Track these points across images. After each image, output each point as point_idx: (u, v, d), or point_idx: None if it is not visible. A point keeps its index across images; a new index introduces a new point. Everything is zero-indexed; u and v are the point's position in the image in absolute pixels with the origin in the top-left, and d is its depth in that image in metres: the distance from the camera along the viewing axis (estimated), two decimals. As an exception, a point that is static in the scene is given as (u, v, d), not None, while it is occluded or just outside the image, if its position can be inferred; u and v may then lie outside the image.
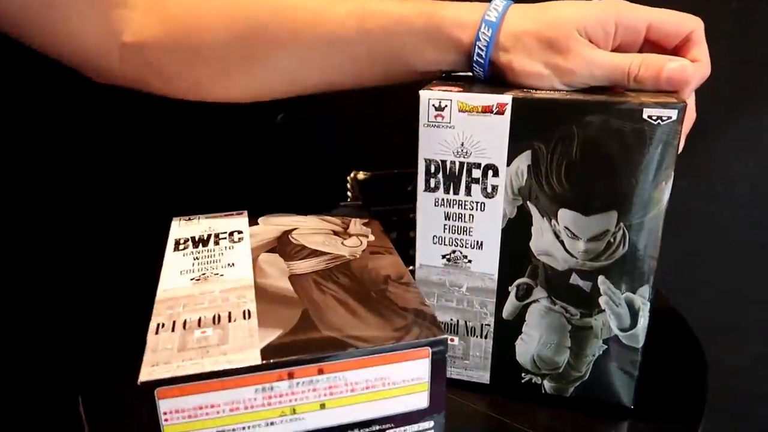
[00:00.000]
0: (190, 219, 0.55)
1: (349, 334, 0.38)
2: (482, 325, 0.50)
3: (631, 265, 0.45)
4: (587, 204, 0.45)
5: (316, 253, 0.48)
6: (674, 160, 0.42)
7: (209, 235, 0.52)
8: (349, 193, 0.68)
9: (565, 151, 0.43)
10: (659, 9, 0.46)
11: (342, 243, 0.50)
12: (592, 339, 0.48)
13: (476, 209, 0.47)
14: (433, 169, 0.47)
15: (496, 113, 0.44)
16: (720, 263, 0.82)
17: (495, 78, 0.48)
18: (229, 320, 0.40)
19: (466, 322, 0.50)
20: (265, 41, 0.51)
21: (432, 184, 0.47)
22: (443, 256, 0.49)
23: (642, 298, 0.46)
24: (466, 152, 0.45)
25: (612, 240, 0.45)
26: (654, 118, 0.41)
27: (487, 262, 0.48)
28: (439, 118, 0.45)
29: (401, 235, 0.73)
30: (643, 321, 0.46)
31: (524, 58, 0.46)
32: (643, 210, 0.44)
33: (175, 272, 0.46)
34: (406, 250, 0.75)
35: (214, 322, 0.39)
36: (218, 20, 0.51)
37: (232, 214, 0.55)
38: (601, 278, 0.46)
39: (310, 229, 0.52)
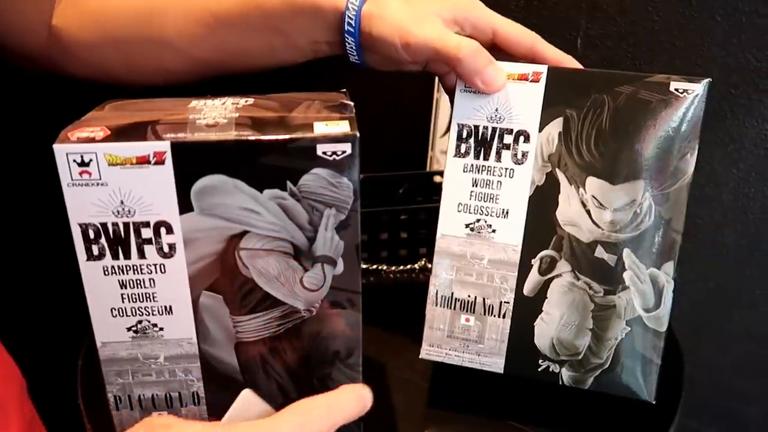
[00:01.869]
0: (85, 137, 0.37)
1: None
2: (501, 302, 0.48)
3: (657, 239, 0.45)
4: (615, 172, 0.45)
5: (266, 303, 0.41)
6: (699, 132, 0.44)
7: (126, 228, 0.38)
8: None
9: (596, 119, 0.44)
10: (508, 20, 0.49)
11: (301, 281, 0.41)
12: (615, 320, 0.46)
13: (505, 176, 0.46)
14: (465, 134, 0.46)
15: (531, 81, 0.45)
16: (706, 265, 0.83)
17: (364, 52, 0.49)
18: (180, 404, 0.43)
19: (484, 299, 0.48)
20: (161, 22, 0.52)
21: (462, 150, 0.47)
22: (467, 225, 0.48)
23: (666, 276, 0.45)
24: (500, 118, 0.46)
25: (638, 210, 0.45)
26: (680, 90, 0.44)
27: (511, 233, 0.47)
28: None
29: (392, 236, 0.71)
30: (668, 302, 0.46)
31: (383, 26, 0.47)
32: (669, 180, 0.44)
33: (105, 309, 0.40)
34: (397, 251, 0.73)
35: (166, 404, 0.43)
36: (122, 3, 0.53)
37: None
38: (626, 251, 0.45)
39: (262, 233, 0.40)
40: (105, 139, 0.36)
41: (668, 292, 0.46)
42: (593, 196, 0.45)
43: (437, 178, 0.69)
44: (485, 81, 0.45)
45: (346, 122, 0.38)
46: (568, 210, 0.46)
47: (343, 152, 0.37)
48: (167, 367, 0.42)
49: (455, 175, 0.47)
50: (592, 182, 0.45)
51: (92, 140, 0.36)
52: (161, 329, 0.41)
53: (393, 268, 0.72)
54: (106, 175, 0.36)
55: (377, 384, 0.54)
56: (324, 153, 0.37)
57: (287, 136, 0.37)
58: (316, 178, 0.38)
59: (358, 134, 0.38)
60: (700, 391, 0.88)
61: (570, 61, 0.49)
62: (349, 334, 0.43)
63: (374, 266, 0.72)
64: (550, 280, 0.47)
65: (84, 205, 0.37)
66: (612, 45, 0.71)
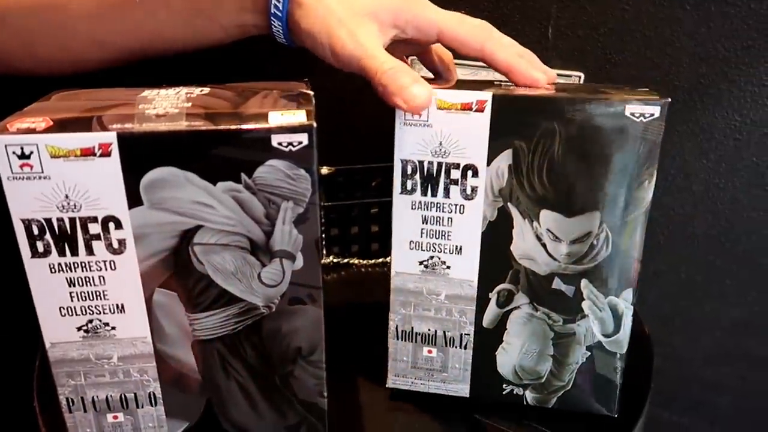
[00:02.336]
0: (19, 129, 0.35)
1: (247, 430, 0.44)
2: (462, 334, 0.47)
3: (615, 268, 0.44)
4: (570, 205, 0.43)
5: (223, 300, 0.40)
6: (657, 158, 0.41)
7: (73, 223, 0.36)
8: None
9: (547, 149, 0.42)
10: (456, 18, 0.45)
11: (258, 277, 0.39)
12: (575, 346, 0.46)
13: (455, 212, 0.44)
14: (409, 170, 0.44)
15: (475, 110, 0.41)
16: (677, 256, 0.82)
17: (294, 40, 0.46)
18: (137, 405, 0.42)
19: (444, 332, 0.48)
20: (64, 5, 0.49)
21: (408, 186, 0.44)
22: (420, 263, 0.46)
23: (625, 302, 0.45)
24: (445, 152, 0.43)
25: (595, 242, 0.43)
26: (636, 114, 0.40)
27: (466, 268, 0.46)
28: (416, 116, 0.42)
29: (362, 230, 0.70)
30: (627, 326, 0.45)
31: (312, 19, 0.43)
32: (626, 210, 0.43)
33: (53, 308, 0.38)
34: (368, 244, 0.71)
35: (122, 405, 0.42)
36: None
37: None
38: (584, 282, 0.45)
39: (216, 227, 0.38)
40: (47, 130, 0.34)
41: (627, 318, 0.46)
42: (548, 230, 0.44)
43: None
44: (407, 99, 0.41)
45: (303, 112, 0.37)
46: (523, 244, 0.45)
47: (300, 143, 0.36)
48: (121, 368, 0.41)
49: (404, 213, 0.45)
50: (546, 215, 0.44)
51: (33, 131, 0.34)
52: (113, 328, 0.39)
53: (365, 262, 0.71)
54: (48, 168, 0.34)
55: (346, 380, 0.53)
56: (279, 144, 0.36)
57: (240, 126, 0.36)
58: (272, 170, 0.37)
59: (315, 124, 0.36)
60: (671, 382, 0.88)
61: (520, 66, 0.46)
62: (311, 331, 0.41)
63: (345, 260, 0.71)
64: (509, 312, 0.47)
65: (26, 200, 0.35)
66: (583, 34, 0.71)
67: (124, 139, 0.34)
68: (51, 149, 0.34)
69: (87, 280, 0.38)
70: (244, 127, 0.36)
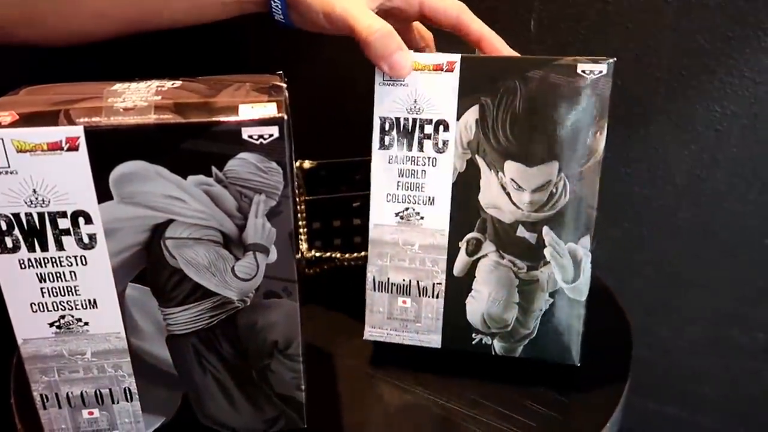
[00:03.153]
0: None
1: (224, 424, 0.44)
2: (434, 284, 0.50)
3: (573, 215, 0.47)
4: (530, 155, 0.47)
5: (197, 294, 0.40)
6: (607, 111, 0.45)
7: (42, 218, 0.36)
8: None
9: (510, 105, 0.46)
10: None
11: (232, 271, 0.39)
12: (539, 293, 0.49)
13: (428, 164, 0.48)
14: (387, 127, 0.47)
15: (446, 70, 0.46)
16: (660, 246, 0.83)
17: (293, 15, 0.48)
18: (112, 400, 0.42)
19: (418, 282, 0.51)
20: None
21: (386, 142, 0.47)
22: (396, 214, 0.49)
23: (584, 249, 0.48)
24: (419, 109, 0.47)
25: (554, 190, 0.47)
26: (587, 72, 0.45)
27: (438, 219, 0.49)
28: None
29: (344, 223, 0.70)
30: (586, 273, 0.48)
31: None
32: (581, 160, 0.46)
33: (24, 304, 0.38)
34: (351, 237, 0.71)
35: (97, 401, 0.42)
36: None
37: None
38: (545, 229, 0.48)
39: (188, 221, 0.38)
40: (12, 125, 0.34)
41: (586, 264, 0.49)
42: (512, 179, 0.48)
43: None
44: (391, 66, 0.46)
45: (274, 104, 0.37)
46: (490, 194, 0.48)
47: (271, 135, 0.36)
48: (95, 363, 0.40)
49: (382, 167, 0.49)
50: (510, 166, 0.47)
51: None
52: (86, 324, 0.39)
53: (347, 255, 0.71)
54: (15, 163, 0.34)
55: (327, 371, 0.53)
56: (250, 137, 0.36)
57: (210, 119, 0.35)
58: (243, 163, 0.36)
59: (285, 117, 0.36)
60: (657, 372, 0.89)
61: (491, 35, 0.51)
62: (287, 324, 0.41)
63: (327, 254, 0.70)
64: (478, 260, 0.50)
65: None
66: (565, 27, 0.71)
67: (91, 133, 0.34)
68: (17, 143, 0.34)
69: (58, 275, 0.37)
70: (214, 119, 0.35)
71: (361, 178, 0.71)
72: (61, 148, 0.34)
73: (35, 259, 0.37)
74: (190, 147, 0.35)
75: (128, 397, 0.42)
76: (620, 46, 0.72)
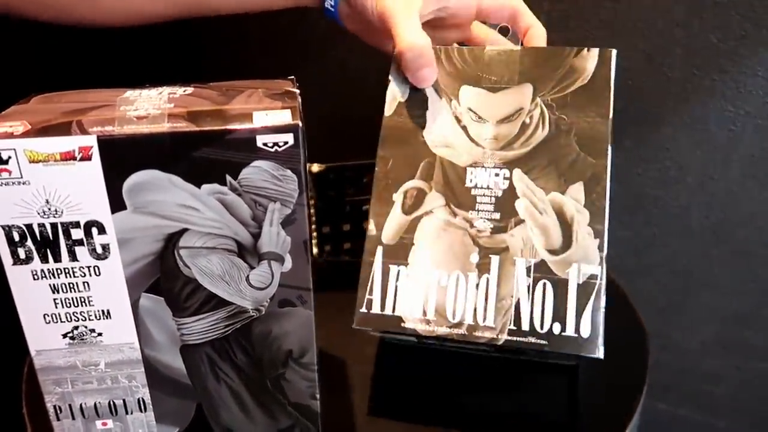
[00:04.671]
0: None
1: None
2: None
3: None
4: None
5: (212, 304, 0.39)
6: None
7: (54, 229, 0.35)
8: None
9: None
10: None
11: (247, 280, 0.38)
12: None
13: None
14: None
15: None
16: (672, 247, 0.82)
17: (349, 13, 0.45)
18: (126, 411, 0.41)
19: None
20: None
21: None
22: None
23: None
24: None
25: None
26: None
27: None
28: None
29: (354, 227, 0.68)
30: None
31: None
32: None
33: (38, 315, 0.38)
34: (360, 242, 0.66)
35: (111, 412, 0.41)
36: None
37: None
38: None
39: (202, 230, 0.37)
40: (25, 135, 0.33)
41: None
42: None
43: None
44: (416, 79, 0.44)
45: (288, 111, 0.36)
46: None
47: (285, 143, 0.35)
48: (109, 374, 0.40)
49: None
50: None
51: (11, 136, 0.33)
52: (100, 334, 0.38)
53: (357, 259, 0.70)
54: (27, 173, 0.34)
55: (340, 378, 0.53)
56: (265, 144, 0.35)
57: (224, 127, 0.35)
58: (258, 171, 0.36)
59: (300, 123, 0.35)
60: (668, 374, 0.88)
61: (537, 29, 0.49)
62: (301, 333, 0.41)
63: (337, 258, 0.70)
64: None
65: (6, 206, 0.34)
66: (574, 26, 0.70)
67: (104, 142, 0.34)
68: (30, 154, 0.33)
69: (71, 286, 0.37)
70: (229, 127, 0.35)
71: (369, 180, 0.70)
72: (74, 158, 0.34)
73: (48, 270, 0.36)
74: (204, 155, 0.35)
75: (142, 407, 0.41)
76: (631, 45, 0.71)
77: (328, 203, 0.68)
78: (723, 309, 0.84)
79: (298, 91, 0.40)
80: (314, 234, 0.67)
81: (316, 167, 0.66)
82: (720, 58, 0.70)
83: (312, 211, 0.66)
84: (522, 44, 0.49)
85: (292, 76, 0.44)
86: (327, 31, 0.72)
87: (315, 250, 0.67)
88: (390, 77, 0.43)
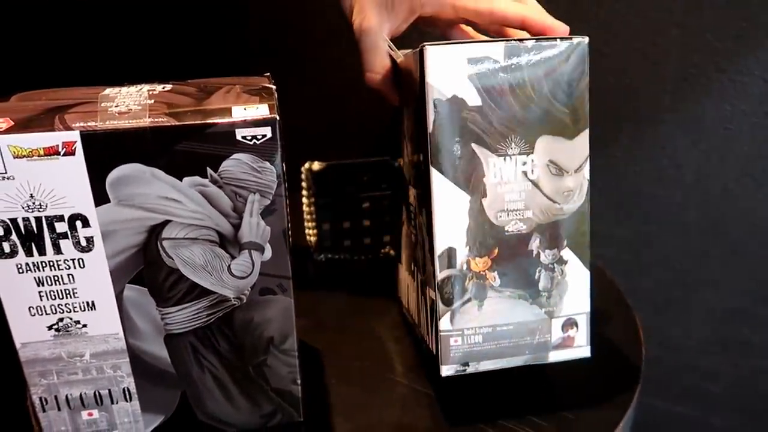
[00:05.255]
0: None
1: (222, 420, 0.45)
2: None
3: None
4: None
5: (194, 293, 0.41)
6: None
7: (39, 223, 0.36)
8: (303, 184, 0.64)
9: None
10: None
11: (228, 269, 0.40)
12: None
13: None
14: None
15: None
16: (669, 245, 0.81)
17: None
18: (111, 401, 0.42)
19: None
20: None
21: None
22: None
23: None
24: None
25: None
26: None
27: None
28: None
29: (354, 225, 0.69)
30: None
31: None
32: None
33: (23, 308, 0.39)
34: (360, 239, 0.69)
35: (96, 402, 0.42)
36: None
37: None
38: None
39: (184, 221, 0.38)
40: (8, 131, 0.34)
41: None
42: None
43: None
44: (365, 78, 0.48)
45: (266, 105, 0.37)
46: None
47: (264, 136, 0.37)
48: (94, 365, 0.41)
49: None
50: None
51: (-4, 132, 0.34)
52: (84, 326, 0.39)
53: (356, 257, 0.71)
54: (11, 169, 0.34)
55: (338, 373, 0.54)
56: (244, 137, 0.36)
57: (204, 121, 0.36)
58: (238, 163, 0.37)
59: (278, 117, 0.37)
60: (665, 371, 0.89)
61: (533, 12, 0.49)
62: (282, 320, 0.42)
63: (337, 256, 0.70)
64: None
65: None
66: (573, 25, 0.71)
67: (87, 137, 0.35)
68: (13, 149, 0.34)
69: (56, 279, 0.38)
70: (209, 121, 0.36)
71: (368, 179, 0.71)
72: (58, 153, 0.34)
73: (33, 263, 0.37)
74: (185, 149, 0.36)
75: (127, 396, 0.42)
76: (627, 44, 0.71)
77: (328, 201, 0.68)
78: (720, 306, 0.84)
79: (274, 87, 0.41)
80: (314, 231, 0.67)
81: (316, 165, 0.66)
82: (717, 56, 0.71)
83: (312, 208, 0.67)
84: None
85: (268, 73, 0.45)
86: (327, 31, 0.72)
87: (314, 248, 0.68)
88: None
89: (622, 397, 0.49)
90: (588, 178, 0.44)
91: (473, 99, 0.42)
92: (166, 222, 0.38)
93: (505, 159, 0.43)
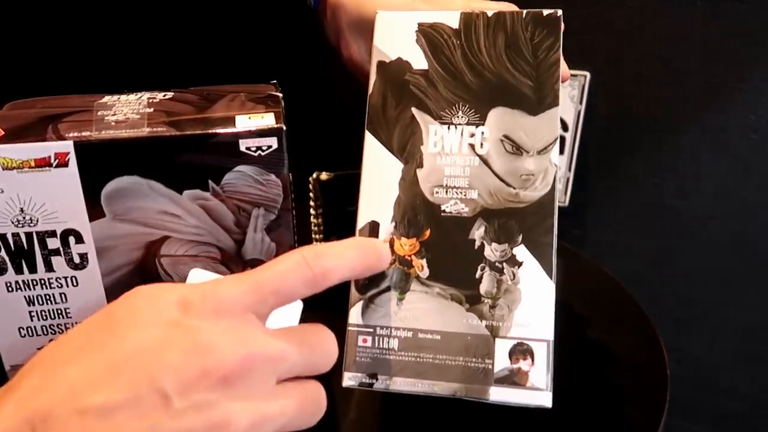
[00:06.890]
0: None
1: None
2: None
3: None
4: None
5: None
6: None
7: (30, 238, 0.34)
8: (311, 194, 0.60)
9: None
10: None
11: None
12: None
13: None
14: None
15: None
16: (690, 258, 0.80)
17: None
18: None
19: None
20: None
21: None
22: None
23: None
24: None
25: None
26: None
27: None
28: None
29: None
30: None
31: None
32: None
33: (12, 329, 0.36)
34: None
35: None
36: None
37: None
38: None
39: (184, 237, 0.36)
40: (-2, 141, 0.32)
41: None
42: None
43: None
44: None
45: (272, 115, 0.35)
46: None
47: (269, 147, 0.34)
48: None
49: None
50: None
51: (-16, 142, 0.32)
52: (78, 348, 0.37)
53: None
54: (0, 181, 0.32)
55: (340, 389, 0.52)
56: (248, 148, 0.34)
57: (206, 131, 0.34)
58: (241, 175, 0.35)
59: (284, 127, 0.35)
60: (686, 389, 0.84)
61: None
62: None
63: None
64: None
65: None
66: (590, 33, 0.69)
67: (81, 147, 0.33)
68: (3, 160, 0.32)
69: (47, 297, 0.36)
70: (211, 131, 0.34)
71: None
72: (50, 165, 0.32)
73: (23, 281, 0.35)
74: (186, 160, 0.34)
75: (123, 422, 0.40)
76: (647, 52, 0.69)
77: (336, 212, 0.67)
78: (741, 322, 0.82)
79: (281, 95, 0.39)
80: (322, 243, 0.65)
81: (324, 175, 0.64)
82: (740, 64, 0.69)
83: (320, 220, 0.65)
84: None
85: (274, 81, 0.43)
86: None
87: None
88: None
89: (650, 418, 0.46)
90: (557, 164, 0.37)
91: (419, 62, 0.38)
92: (165, 238, 0.36)
93: (449, 128, 0.37)
